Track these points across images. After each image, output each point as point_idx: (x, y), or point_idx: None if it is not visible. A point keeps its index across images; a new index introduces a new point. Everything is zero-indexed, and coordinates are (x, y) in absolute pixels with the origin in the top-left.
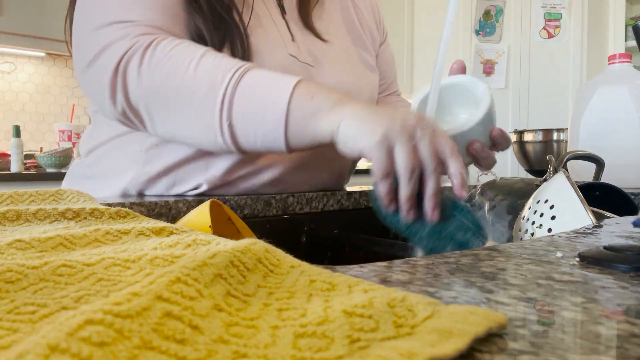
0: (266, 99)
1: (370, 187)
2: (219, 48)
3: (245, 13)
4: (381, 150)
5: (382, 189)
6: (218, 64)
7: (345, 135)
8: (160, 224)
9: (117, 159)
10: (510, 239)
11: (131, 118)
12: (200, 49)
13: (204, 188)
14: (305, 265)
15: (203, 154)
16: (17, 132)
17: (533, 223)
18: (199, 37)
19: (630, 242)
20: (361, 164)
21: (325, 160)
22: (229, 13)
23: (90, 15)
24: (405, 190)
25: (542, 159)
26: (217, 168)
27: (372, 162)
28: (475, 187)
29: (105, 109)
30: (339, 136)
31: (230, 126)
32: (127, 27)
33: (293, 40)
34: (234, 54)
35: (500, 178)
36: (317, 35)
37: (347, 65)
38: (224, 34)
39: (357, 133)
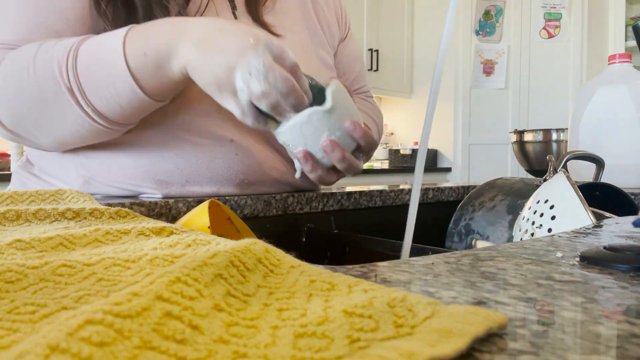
0: (107, 71)
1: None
2: None
3: (190, 10)
4: (233, 104)
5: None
6: (50, 57)
7: (197, 82)
8: (160, 224)
9: (61, 164)
10: (510, 239)
11: (16, 139)
12: (32, 47)
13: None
14: (305, 265)
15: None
16: None
17: (533, 223)
18: None
19: (630, 242)
20: None
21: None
22: (161, 10)
23: None
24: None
25: (542, 159)
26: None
27: (234, 113)
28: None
29: None
30: (193, 75)
31: (94, 109)
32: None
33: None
34: None
35: (500, 178)
36: (269, 30)
37: (303, 61)
38: None
39: (204, 84)
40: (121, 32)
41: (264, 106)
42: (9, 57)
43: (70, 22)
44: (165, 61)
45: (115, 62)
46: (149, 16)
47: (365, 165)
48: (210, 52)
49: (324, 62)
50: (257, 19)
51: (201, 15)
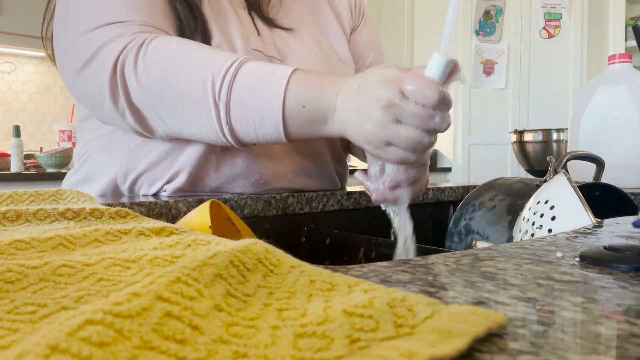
0: (260, 107)
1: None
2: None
3: (214, 10)
4: (383, 158)
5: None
6: (207, 63)
7: (352, 137)
8: (160, 224)
9: (100, 160)
10: (510, 239)
11: (131, 121)
12: (189, 44)
13: (168, 192)
14: (305, 265)
15: (175, 153)
16: (17, 132)
17: (533, 224)
18: (181, 32)
19: (630, 242)
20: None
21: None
22: (197, 7)
23: (75, 21)
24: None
25: (542, 159)
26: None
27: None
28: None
29: (103, 110)
30: (345, 137)
31: (231, 130)
32: (119, 27)
33: (259, 34)
34: None
35: (500, 178)
36: (279, 26)
37: (316, 55)
38: (196, 27)
39: (359, 142)
40: (285, 73)
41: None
42: (160, 40)
43: (159, 3)
44: (321, 120)
45: (272, 102)
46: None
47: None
48: (358, 114)
49: (340, 56)
50: (263, 16)
51: (219, 12)
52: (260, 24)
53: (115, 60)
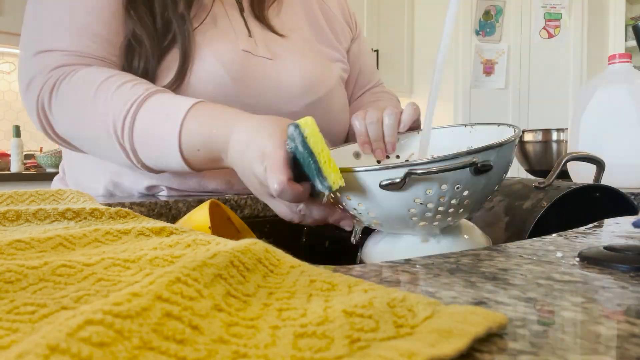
0: (163, 153)
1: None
2: (159, 53)
3: (200, 15)
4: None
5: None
6: (108, 110)
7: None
8: (160, 224)
9: (86, 168)
10: (509, 240)
11: (67, 147)
12: (94, 83)
13: (165, 192)
14: (305, 265)
15: None
16: (17, 132)
17: None
18: (137, 43)
19: (630, 242)
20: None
21: None
22: (177, 19)
23: (23, 42)
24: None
25: (542, 159)
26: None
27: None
28: None
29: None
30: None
31: (145, 166)
32: (46, 57)
33: (250, 35)
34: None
35: None
36: (274, 31)
37: (309, 57)
38: (164, 38)
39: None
40: (178, 117)
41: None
42: (69, 78)
43: (111, 27)
44: (218, 160)
45: (169, 148)
46: (164, 16)
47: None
48: (244, 162)
49: (328, 56)
50: (262, 20)
51: (205, 16)
52: (253, 25)
53: (36, 101)
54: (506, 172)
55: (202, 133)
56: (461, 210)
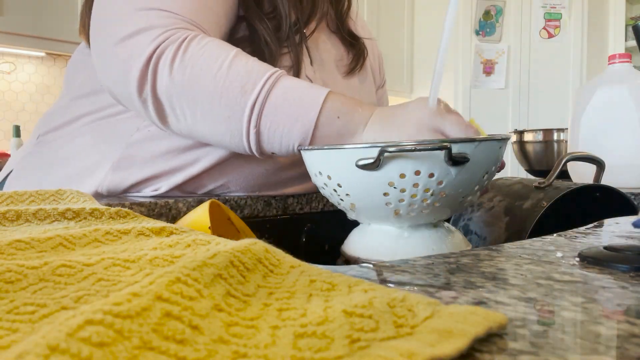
0: (296, 112)
1: None
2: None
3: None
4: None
5: None
6: (250, 68)
7: None
8: (160, 224)
9: (95, 142)
10: (508, 240)
11: (150, 109)
12: (232, 49)
13: (163, 189)
14: (305, 265)
15: (190, 156)
16: (17, 132)
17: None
18: (257, 39)
19: (630, 242)
20: None
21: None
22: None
23: None
24: None
25: (542, 159)
26: (194, 164)
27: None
28: None
29: (125, 91)
30: None
31: (257, 133)
32: (168, 17)
33: (311, 64)
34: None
35: (501, 178)
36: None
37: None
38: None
39: None
40: (324, 89)
41: None
42: (201, 40)
43: (225, 6)
44: (350, 133)
45: (309, 109)
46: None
47: None
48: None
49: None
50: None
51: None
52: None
53: (154, 49)
54: (490, 172)
55: (347, 104)
56: (438, 204)
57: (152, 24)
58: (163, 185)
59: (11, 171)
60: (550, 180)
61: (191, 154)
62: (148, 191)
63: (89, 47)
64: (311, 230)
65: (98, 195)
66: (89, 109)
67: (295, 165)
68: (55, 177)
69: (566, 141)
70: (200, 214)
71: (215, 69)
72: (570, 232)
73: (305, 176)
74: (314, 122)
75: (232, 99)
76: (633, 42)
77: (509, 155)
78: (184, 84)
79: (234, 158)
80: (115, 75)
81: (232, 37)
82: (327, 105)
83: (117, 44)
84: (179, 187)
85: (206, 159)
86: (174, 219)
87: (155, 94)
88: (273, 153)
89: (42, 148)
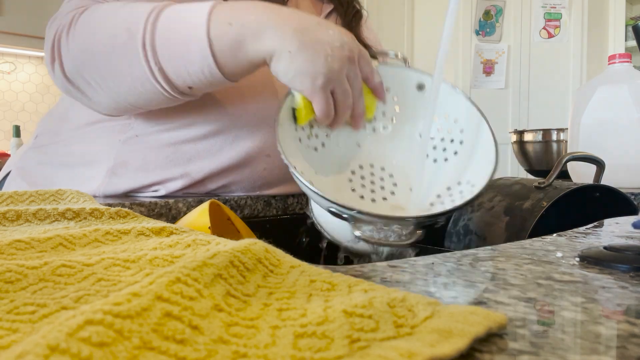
0: (186, 34)
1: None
2: None
3: None
4: (323, 95)
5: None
6: (134, 11)
7: (281, 70)
8: (160, 224)
9: (90, 146)
10: (507, 240)
11: (72, 91)
12: (120, 3)
13: (162, 192)
14: (305, 265)
15: (186, 152)
16: (17, 132)
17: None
18: None
19: (630, 242)
20: None
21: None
22: None
23: None
24: (340, 118)
25: (542, 159)
26: (196, 171)
27: (315, 104)
28: None
29: (52, 79)
30: (275, 67)
31: (161, 70)
32: (81, 2)
33: None
34: None
35: (501, 178)
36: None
37: None
38: None
39: (294, 72)
40: (208, 2)
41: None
42: (93, 6)
43: None
44: (250, 39)
45: (196, 25)
46: None
47: None
48: (311, 43)
49: None
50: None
51: None
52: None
53: (56, 29)
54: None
55: (239, 6)
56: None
57: (58, 14)
58: (161, 189)
59: (9, 172)
60: (550, 180)
61: (185, 162)
62: (147, 193)
63: None
64: (311, 230)
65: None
66: (84, 115)
67: None
68: (54, 181)
69: (566, 141)
70: (200, 214)
71: (102, 26)
72: (570, 232)
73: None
74: (205, 38)
75: (123, 46)
76: (633, 42)
77: (509, 155)
78: (81, 50)
79: (234, 162)
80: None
81: None
82: (213, 15)
83: (45, 40)
84: (178, 190)
85: (205, 163)
86: (174, 219)
87: (65, 75)
88: (190, 87)
89: (39, 151)
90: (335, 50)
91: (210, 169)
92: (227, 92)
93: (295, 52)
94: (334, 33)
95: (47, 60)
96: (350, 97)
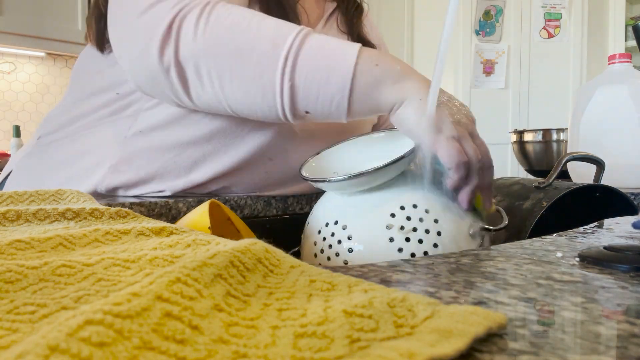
0: (332, 62)
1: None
2: None
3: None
4: (453, 144)
5: (456, 177)
6: (280, 25)
7: (405, 117)
8: (160, 224)
9: (94, 143)
10: (508, 240)
11: (173, 78)
12: (259, 12)
13: (167, 193)
14: (305, 265)
15: (191, 155)
16: (17, 132)
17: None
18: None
19: (630, 242)
20: None
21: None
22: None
23: None
24: (473, 182)
25: (542, 159)
26: (199, 174)
27: (445, 153)
28: None
29: (147, 62)
30: (398, 114)
31: (292, 87)
32: None
33: None
34: None
35: (501, 178)
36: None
37: None
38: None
39: (418, 121)
40: (355, 43)
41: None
42: (223, 4)
43: None
44: (390, 82)
45: (345, 56)
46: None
47: None
48: (444, 100)
49: None
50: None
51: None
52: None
53: (176, 14)
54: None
55: (383, 54)
56: None
57: None
58: (166, 190)
59: (11, 172)
60: (550, 180)
61: (192, 162)
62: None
63: (100, 51)
64: None
65: (97, 195)
66: (87, 110)
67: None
68: (55, 179)
69: (566, 141)
70: (200, 214)
71: (242, 28)
72: (570, 232)
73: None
74: (352, 69)
75: (263, 53)
76: (633, 42)
77: (509, 155)
78: (210, 43)
79: (236, 165)
80: (136, 49)
81: None
82: (363, 53)
83: (138, 17)
84: (180, 191)
85: (208, 167)
86: (174, 219)
87: (178, 60)
88: (307, 113)
89: (41, 150)
90: (463, 116)
91: (214, 172)
92: None
93: (422, 106)
94: (464, 106)
95: (150, 41)
96: (479, 154)
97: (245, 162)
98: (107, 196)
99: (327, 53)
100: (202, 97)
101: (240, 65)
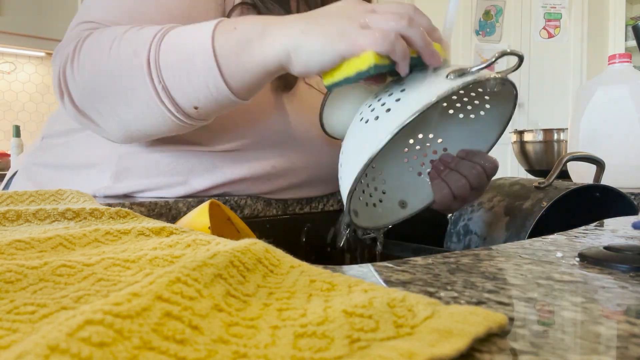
0: (189, 46)
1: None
2: None
3: None
4: (390, 37)
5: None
6: (142, 32)
7: (307, 49)
8: (160, 224)
9: (95, 150)
10: (507, 240)
11: (85, 122)
12: (123, 27)
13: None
14: (305, 265)
15: (184, 167)
16: (17, 132)
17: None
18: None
19: (630, 242)
20: None
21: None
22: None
23: (77, 14)
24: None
25: (542, 159)
26: (196, 185)
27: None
28: None
29: (65, 110)
30: (297, 55)
31: (165, 88)
32: (86, 27)
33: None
34: None
35: (501, 178)
36: None
37: None
38: None
39: (322, 41)
40: (210, 23)
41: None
42: (96, 32)
43: (177, 20)
44: (255, 38)
45: (201, 37)
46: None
47: None
48: (322, 20)
49: None
50: None
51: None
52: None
53: (60, 65)
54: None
55: (243, 19)
56: None
57: (68, 39)
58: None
59: (16, 172)
60: (550, 180)
61: (186, 173)
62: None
63: None
64: (311, 230)
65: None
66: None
67: (295, 172)
68: (59, 182)
69: (566, 141)
70: (200, 214)
71: (106, 52)
72: (570, 232)
73: (304, 184)
74: (210, 43)
75: (129, 68)
76: (633, 42)
77: (509, 155)
78: (87, 79)
79: (236, 177)
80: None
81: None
82: (220, 24)
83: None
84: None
85: (204, 181)
86: (174, 219)
87: (76, 106)
88: (196, 108)
89: (46, 152)
90: (347, 17)
91: (213, 182)
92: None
93: (306, 28)
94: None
95: (56, 95)
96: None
97: (244, 174)
98: (108, 196)
99: (184, 41)
100: (113, 129)
101: (118, 88)
